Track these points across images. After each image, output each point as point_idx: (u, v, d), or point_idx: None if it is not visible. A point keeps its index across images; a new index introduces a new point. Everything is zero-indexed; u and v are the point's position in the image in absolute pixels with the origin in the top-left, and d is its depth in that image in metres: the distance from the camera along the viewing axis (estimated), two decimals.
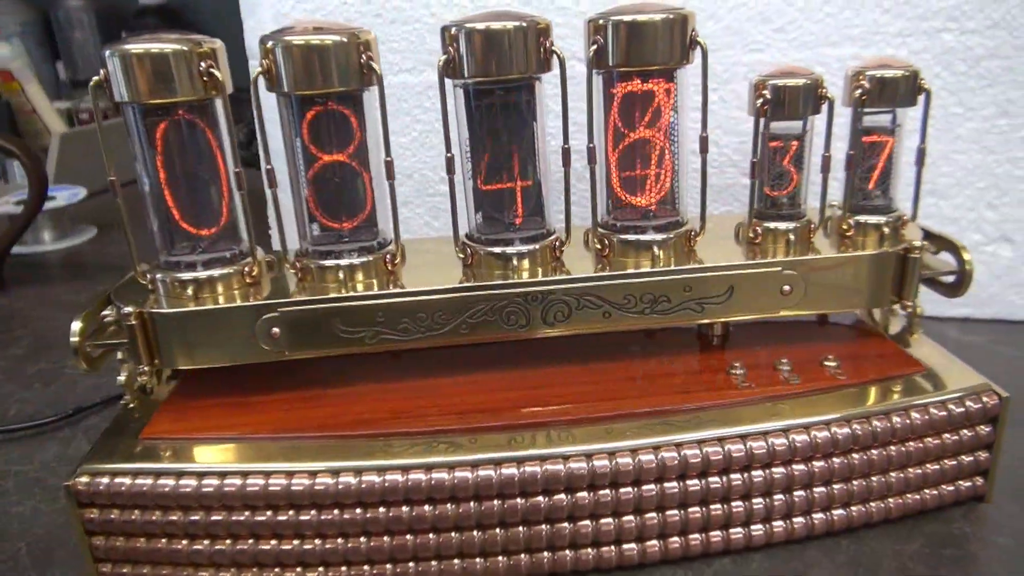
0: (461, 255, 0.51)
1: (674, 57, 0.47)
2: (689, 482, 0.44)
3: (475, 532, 0.44)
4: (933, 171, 0.70)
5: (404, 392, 0.51)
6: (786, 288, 0.50)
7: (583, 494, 0.43)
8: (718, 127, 0.72)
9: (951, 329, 0.72)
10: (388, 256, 0.50)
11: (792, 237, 0.52)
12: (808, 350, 0.52)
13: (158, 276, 0.49)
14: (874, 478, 0.46)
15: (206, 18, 1.74)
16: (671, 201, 0.52)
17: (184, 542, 0.44)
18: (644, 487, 0.44)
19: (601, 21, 0.47)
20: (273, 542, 0.44)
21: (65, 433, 0.64)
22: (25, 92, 1.50)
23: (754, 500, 0.45)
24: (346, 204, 0.50)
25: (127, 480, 0.43)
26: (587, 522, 0.44)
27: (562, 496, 0.43)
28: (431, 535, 0.44)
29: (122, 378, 0.51)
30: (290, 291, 0.49)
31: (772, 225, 0.52)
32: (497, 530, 0.44)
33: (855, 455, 0.45)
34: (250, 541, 0.44)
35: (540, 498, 0.43)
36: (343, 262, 0.50)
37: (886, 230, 0.52)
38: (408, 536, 0.44)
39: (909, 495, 0.47)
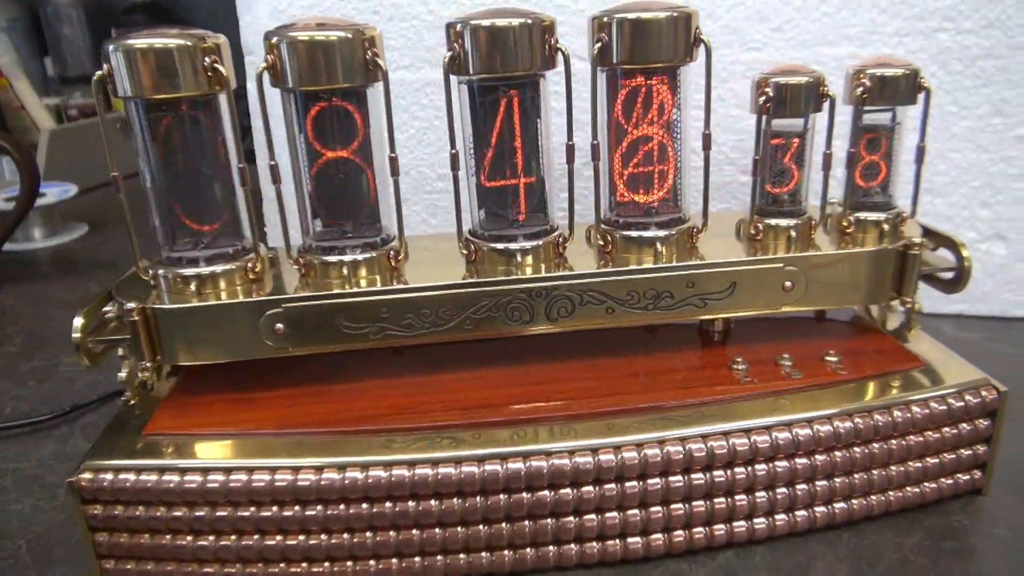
0: (464, 251, 0.51)
1: (678, 54, 0.48)
2: (694, 476, 0.44)
3: (480, 527, 0.44)
4: (929, 169, 0.71)
5: (407, 388, 0.51)
6: (787, 284, 0.50)
7: (588, 488, 0.44)
8: (716, 125, 0.72)
9: (946, 326, 0.73)
10: (391, 252, 0.50)
11: (793, 234, 0.52)
12: (808, 346, 0.53)
13: (160, 272, 0.49)
14: (875, 472, 0.47)
15: (197, 14, 1.73)
16: (673, 198, 0.52)
17: (189, 538, 0.44)
18: (649, 481, 0.44)
19: (605, 19, 0.47)
20: (278, 538, 0.44)
21: (62, 430, 0.63)
22: (13, 88, 1.49)
23: (757, 494, 0.45)
24: (349, 200, 0.50)
25: (131, 476, 0.43)
26: (592, 516, 0.44)
27: (567, 490, 0.44)
28: (437, 530, 0.44)
29: (123, 374, 0.50)
30: (293, 287, 0.49)
31: (773, 222, 0.52)
32: (503, 525, 0.44)
33: (856, 449, 0.46)
34: (255, 537, 0.44)
35: (546, 492, 0.43)
36: (346, 258, 0.50)
37: (886, 227, 0.53)
38: (414, 531, 0.44)
39: (909, 488, 0.48)
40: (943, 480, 0.48)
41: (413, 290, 0.48)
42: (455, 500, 0.43)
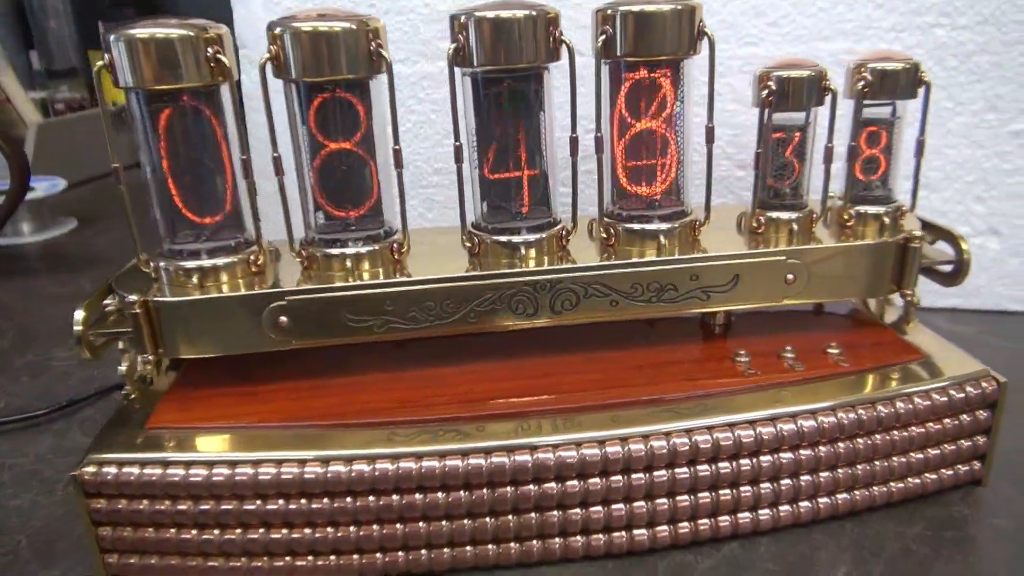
0: (468, 244, 0.51)
1: (682, 47, 0.48)
2: (699, 468, 0.44)
3: (487, 519, 0.44)
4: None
5: (409, 381, 0.51)
6: (790, 277, 0.50)
7: (595, 480, 0.44)
8: (716, 120, 0.73)
9: (940, 320, 0.74)
10: (395, 245, 0.50)
11: (795, 227, 0.52)
12: (809, 338, 0.53)
13: (161, 264, 0.49)
14: (877, 463, 0.47)
15: (186, 8, 1.71)
16: (675, 191, 0.52)
17: (194, 531, 0.43)
18: (655, 473, 0.44)
19: (609, 11, 0.47)
20: (284, 531, 0.43)
21: (59, 425, 0.63)
22: None
23: (762, 485, 0.46)
24: (353, 192, 0.50)
25: (135, 470, 0.43)
26: (598, 508, 0.44)
27: (574, 482, 0.44)
28: (443, 522, 0.44)
29: (123, 368, 0.50)
30: (295, 280, 0.49)
31: (775, 215, 0.53)
32: (509, 517, 0.44)
33: (859, 440, 0.46)
34: (261, 530, 0.43)
35: (552, 484, 0.43)
36: (349, 251, 0.49)
37: (886, 220, 0.53)
38: (420, 524, 0.44)
39: (910, 479, 0.48)
40: (943, 471, 0.49)
41: (418, 283, 0.48)
42: (461, 493, 0.43)
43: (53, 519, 0.51)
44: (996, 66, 0.68)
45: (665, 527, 0.45)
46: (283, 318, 0.47)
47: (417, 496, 0.43)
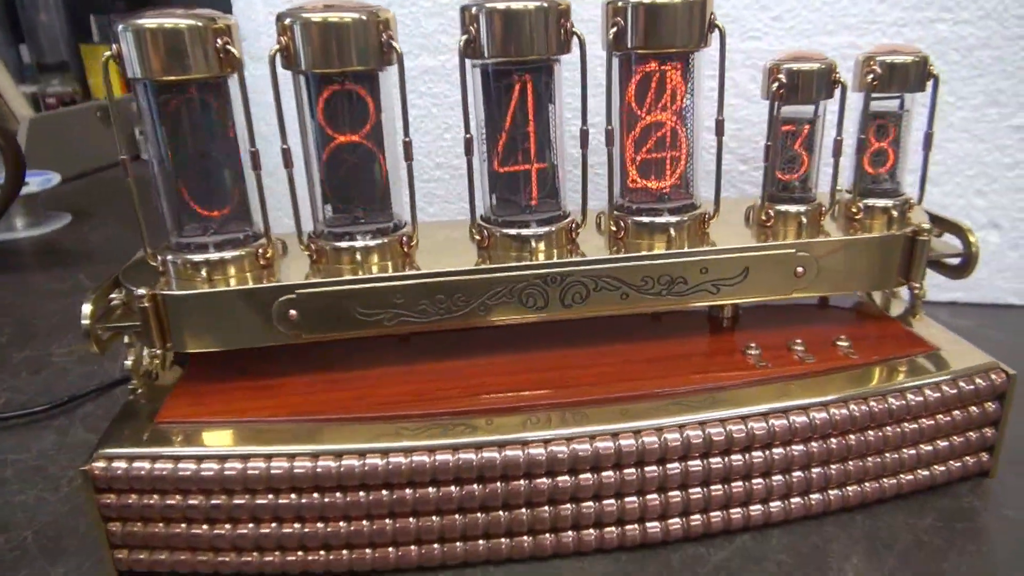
0: (477, 237, 0.51)
1: (693, 40, 0.47)
2: (712, 460, 0.45)
3: (500, 513, 0.44)
4: (913, 158, 0.72)
5: (419, 374, 0.50)
6: (799, 270, 0.50)
7: (608, 473, 0.44)
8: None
9: (941, 313, 0.74)
10: (404, 238, 0.50)
11: (804, 220, 0.52)
12: (817, 331, 0.53)
13: (169, 258, 0.48)
14: (888, 455, 0.47)
15: (180, 1, 1.70)
16: (684, 184, 0.52)
17: (205, 526, 0.43)
18: (668, 466, 0.44)
19: (620, 3, 0.47)
20: (296, 525, 0.43)
21: (61, 421, 0.62)
22: None
23: (774, 477, 0.46)
24: (361, 185, 0.50)
25: (146, 464, 0.42)
26: (611, 501, 0.44)
27: (587, 476, 0.44)
28: (456, 516, 0.44)
29: (129, 362, 0.50)
30: (304, 273, 0.49)
31: (783, 208, 0.53)
32: (523, 510, 0.44)
33: (870, 432, 0.46)
34: (273, 525, 0.43)
35: (566, 478, 0.43)
36: (358, 244, 0.49)
37: (894, 213, 0.53)
38: (433, 518, 0.44)
39: (920, 471, 0.48)
40: (952, 462, 0.49)
41: (429, 276, 0.47)
42: (475, 486, 0.43)
43: (59, 515, 0.50)
44: (998, 60, 0.68)
45: (678, 520, 0.45)
46: (293, 312, 0.47)
47: (430, 490, 0.43)
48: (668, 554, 0.45)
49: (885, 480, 0.48)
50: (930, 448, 0.48)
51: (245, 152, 0.48)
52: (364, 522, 0.43)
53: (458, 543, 0.44)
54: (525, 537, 0.44)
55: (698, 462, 0.44)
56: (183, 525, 0.43)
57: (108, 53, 0.44)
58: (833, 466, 0.47)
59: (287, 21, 0.45)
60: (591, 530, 0.45)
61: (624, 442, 0.43)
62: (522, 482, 0.43)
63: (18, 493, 0.53)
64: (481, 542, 0.44)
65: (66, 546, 0.48)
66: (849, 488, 0.47)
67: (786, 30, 0.71)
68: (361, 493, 0.42)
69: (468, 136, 0.48)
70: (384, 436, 0.44)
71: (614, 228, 0.52)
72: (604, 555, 0.45)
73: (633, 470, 0.44)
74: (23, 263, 1.04)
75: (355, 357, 0.52)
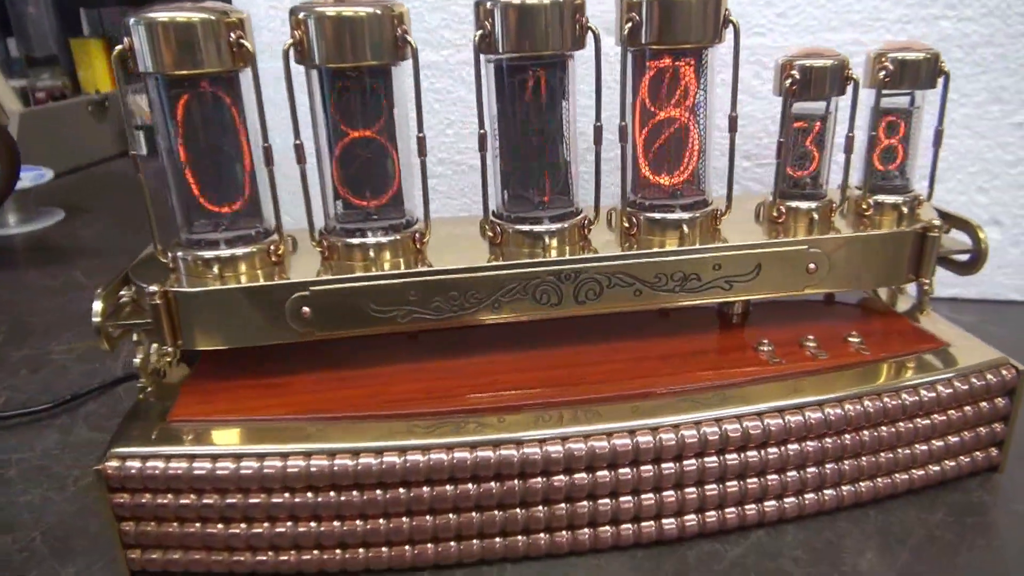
0: (490, 233, 0.50)
1: (707, 35, 0.47)
2: (728, 456, 0.45)
3: (518, 510, 0.44)
4: (928, 155, 0.72)
5: (431, 372, 0.50)
6: (811, 266, 0.50)
7: (625, 471, 0.44)
8: (720, 110, 0.73)
9: (942, 309, 0.73)
10: (417, 235, 0.50)
11: (815, 216, 0.52)
12: (828, 327, 0.54)
13: (179, 254, 0.48)
14: (900, 450, 0.48)
15: None
16: (697, 180, 0.52)
17: (219, 526, 0.43)
18: (685, 462, 0.44)
19: None
20: (312, 524, 0.43)
21: (63, 420, 0.61)
22: None
23: (788, 473, 0.46)
24: (374, 181, 0.49)
25: (160, 463, 0.42)
26: (628, 498, 0.44)
27: (604, 473, 0.44)
28: (473, 514, 0.43)
29: (138, 360, 0.49)
30: (315, 270, 0.48)
31: (794, 204, 0.53)
32: (540, 507, 0.44)
33: (883, 428, 0.47)
34: (289, 523, 0.43)
35: (583, 475, 0.43)
36: (370, 240, 0.49)
37: (904, 210, 0.54)
38: (450, 515, 0.43)
39: (931, 466, 0.49)
40: (962, 458, 0.49)
41: (443, 272, 0.47)
42: (493, 484, 0.43)
43: (66, 515, 0.50)
44: (1000, 58, 0.69)
45: (693, 516, 0.45)
46: (306, 309, 0.46)
47: (448, 487, 0.43)
48: (684, 551, 0.45)
49: (897, 475, 0.48)
50: (941, 444, 0.48)
51: (256, 147, 0.47)
52: (381, 520, 0.43)
53: (475, 541, 0.44)
54: (542, 535, 0.44)
55: (714, 458, 0.44)
56: (197, 524, 0.43)
57: (119, 48, 0.43)
58: (846, 462, 0.47)
59: (301, 15, 0.44)
60: (607, 527, 0.45)
61: (642, 439, 0.43)
62: (540, 479, 0.43)
63: (23, 493, 0.52)
64: (498, 540, 0.44)
65: (75, 546, 0.47)
66: (862, 484, 0.48)
67: (790, 26, 0.71)
68: (378, 491, 0.42)
69: (482, 132, 0.48)
70: (400, 434, 0.43)
71: (626, 224, 0.52)
72: (620, 552, 0.45)
73: (650, 467, 0.44)
74: (16, 260, 1.02)
75: (363, 354, 0.52)
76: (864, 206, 0.54)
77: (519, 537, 0.44)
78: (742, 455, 0.45)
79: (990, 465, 0.51)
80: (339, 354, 0.52)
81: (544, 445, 0.43)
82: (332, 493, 0.42)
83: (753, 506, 0.46)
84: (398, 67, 0.48)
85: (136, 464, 0.42)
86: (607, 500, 0.44)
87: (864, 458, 0.47)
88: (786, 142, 0.51)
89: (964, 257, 0.55)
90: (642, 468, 0.44)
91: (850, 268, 0.52)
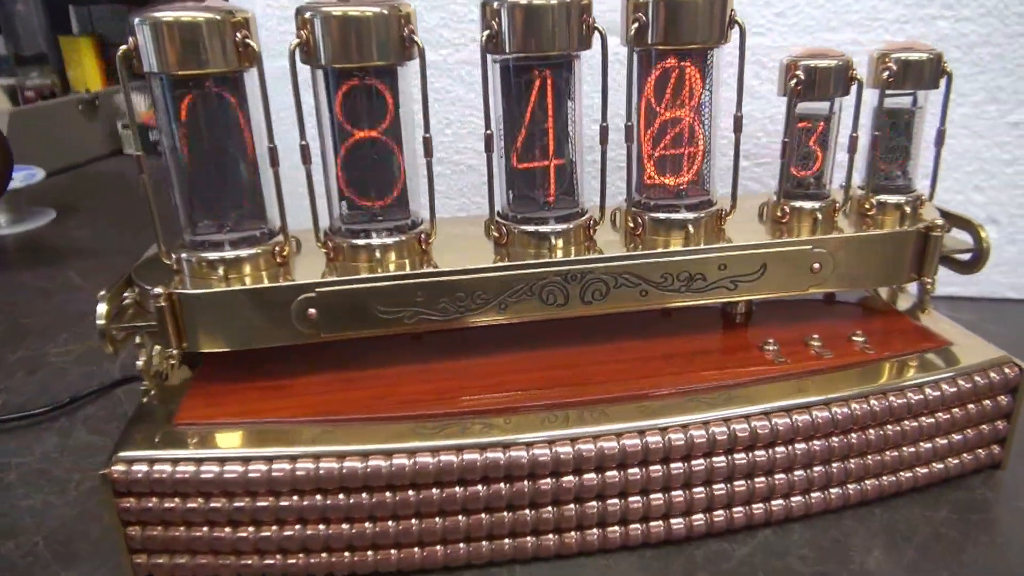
0: (496, 233, 0.50)
1: (713, 36, 0.48)
2: (736, 456, 0.45)
3: (527, 511, 0.44)
4: (926, 154, 0.72)
5: (436, 373, 0.50)
6: (816, 266, 0.51)
7: (634, 471, 0.44)
8: (721, 109, 0.73)
9: (939, 307, 0.74)
10: (423, 236, 0.49)
11: (819, 216, 0.53)
12: (831, 326, 0.54)
13: (183, 256, 0.47)
14: (905, 449, 0.48)
15: None
16: (701, 180, 0.52)
17: (227, 529, 0.42)
18: (693, 462, 0.44)
19: None
20: (321, 527, 0.43)
21: (62, 423, 0.61)
22: None
23: (795, 472, 0.46)
24: (380, 181, 0.49)
25: (167, 467, 0.42)
26: (637, 498, 0.44)
27: (613, 473, 0.44)
28: (482, 515, 0.43)
29: (141, 363, 0.48)
30: (320, 271, 0.48)
31: (798, 204, 0.53)
32: (549, 508, 0.44)
33: (889, 427, 0.47)
34: (297, 527, 0.43)
35: (593, 475, 0.43)
36: (376, 241, 0.48)
37: (907, 209, 0.54)
38: (460, 517, 0.43)
39: (935, 464, 0.49)
40: (965, 455, 0.50)
41: (450, 273, 0.47)
42: (503, 485, 0.43)
43: (68, 519, 0.49)
44: (998, 58, 0.69)
45: (701, 516, 0.46)
46: (312, 310, 0.46)
47: (457, 489, 0.43)
48: (692, 550, 0.46)
49: (902, 474, 0.48)
50: (945, 442, 0.49)
51: (261, 148, 0.47)
52: (390, 522, 0.43)
53: (484, 542, 0.44)
54: (551, 535, 0.44)
55: (722, 458, 0.45)
56: (205, 528, 0.42)
57: (124, 47, 0.43)
58: (852, 461, 0.47)
59: (307, 15, 0.44)
60: (616, 527, 0.45)
61: (651, 439, 0.43)
62: (549, 480, 0.43)
63: (24, 497, 0.52)
64: (507, 541, 0.44)
65: (78, 551, 0.47)
66: (867, 482, 0.48)
67: (789, 26, 0.71)
68: (388, 493, 0.42)
69: (488, 132, 0.47)
70: (409, 436, 0.43)
71: (631, 225, 0.52)
72: (629, 552, 0.45)
73: (659, 467, 0.44)
74: (8, 261, 1.01)
75: (368, 356, 0.52)
76: (867, 206, 0.54)
77: (528, 538, 0.44)
78: (750, 454, 0.45)
79: (992, 462, 0.51)
80: (343, 355, 0.51)
81: (554, 446, 0.43)
82: (341, 496, 0.42)
83: (760, 505, 0.46)
84: (404, 67, 0.48)
85: (143, 468, 0.42)
86: (616, 500, 0.44)
87: (870, 457, 0.47)
88: (790, 142, 0.51)
89: (966, 256, 0.55)
90: (651, 468, 0.44)
91: (854, 268, 0.52)
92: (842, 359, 0.49)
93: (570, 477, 0.43)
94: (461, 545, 0.44)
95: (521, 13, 0.45)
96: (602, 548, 0.45)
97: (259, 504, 0.42)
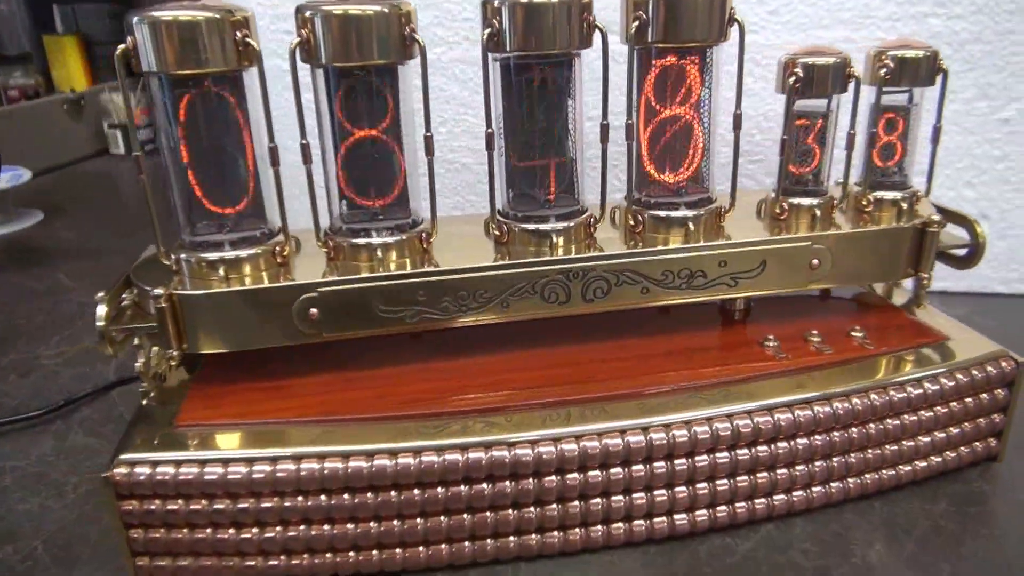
0: (497, 232, 0.50)
1: (712, 34, 0.48)
2: (739, 452, 0.45)
3: (532, 508, 0.44)
4: (918, 152, 0.73)
5: (437, 372, 0.50)
6: (815, 262, 0.51)
7: (639, 467, 0.44)
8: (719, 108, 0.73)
9: (932, 302, 0.75)
10: (423, 234, 0.49)
11: (818, 212, 0.53)
12: (829, 322, 0.54)
13: (183, 256, 0.47)
14: (904, 442, 0.48)
15: None
16: (701, 178, 0.53)
17: (231, 531, 0.42)
18: (697, 458, 0.44)
19: None
20: (325, 527, 0.42)
21: (58, 426, 0.60)
22: None
23: (797, 467, 0.46)
24: (380, 180, 0.49)
25: (170, 469, 0.41)
26: (641, 494, 0.45)
27: (617, 470, 0.44)
28: (488, 513, 0.43)
29: (139, 364, 0.48)
30: (321, 271, 0.48)
31: (796, 201, 0.53)
32: (554, 506, 0.44)
33: (889, 421, 0.47)
34: (301, 527, 0.42)
35: (597, 472, 0.43)
36: (376, 240, 0.48)
37: (903, 205, 0.54)
38: (465, 516, 0.43)
39: (933, 457, 0.50)
40: (963, 448, 0.50)
41: (454, 272, 0.47)
42: (508, 483, 0.43)
43: (67, 523, 0.49)
44: (988, 55, 0.70)
45: (704, 511, 0.46)
46: (314, 310, 0.46)
47: (462, 488, 0.42)
48: (696, 545, 0.46)
49: (901, 467, 0.49)
50: (943, 435, 0.49)
51: (260, 147, 0.47)
52: (395, 521, 0.43)
53: (489, 540, 0.44)
54: (555, 532, 0.44)
55: (726, 454, 0.45)
56: (208, 530, 0.42)
57: (123, 47, 0.43)
58: (852, 455, 0.47)
59: (308, 14, 0.44)
60: (620, 524, 0.45)
61: (655, 436, 0.43)
62: (553, 478, 0.43)
63: (21, 501, 0.51)
64: (512, 539, 0.44)
65: (79, 554, 0.46)
66: (867, 476, 0.48)
67: (782, 24, 0.72)
68: (393, 492, 0.42)
69: (490, 131, 0.47)
70: (412, 435, 0.43)
71: (632, 222, 0.52)
72: (633, 548, 0.46)
73: (663, 463, 0.44)
74: None
75: (369, 355, 0.51)
76: (864, 202, 0.55)
77: (532, 536, 0.44)
78: (752, 450, 0.45)
79: (989, 455, 0.51)
80: (344, 355, 0.51)
81: (559, 443, 0.43)
82: (346, 496, 0.42)
83: (763, 500, 0.47)
84: (404, 66, 0.47)
85: (145, 470, 0.41)
86: (620, 497, 0.44)
87: (870, 451, 0.48)
88: (789, 139, 0.52)
89: (962, 252, 0.55)
90: (655, 464, 0.44)
91: (852, 264, 0.52)
92: (842, 354, 0.50)
93: (575, 474, 0.43)
94: (466, 544, 0.44)
95: (522, 11, 0.45)
96: (606, 545, 0.45)
97: (263, 505, 0.42)
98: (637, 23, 0.47)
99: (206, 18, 0.42)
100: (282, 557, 0.43)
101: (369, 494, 0.42)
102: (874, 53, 0.53)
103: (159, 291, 0.44)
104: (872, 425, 0.47)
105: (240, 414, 0.46)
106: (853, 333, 0.52)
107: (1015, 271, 0.77)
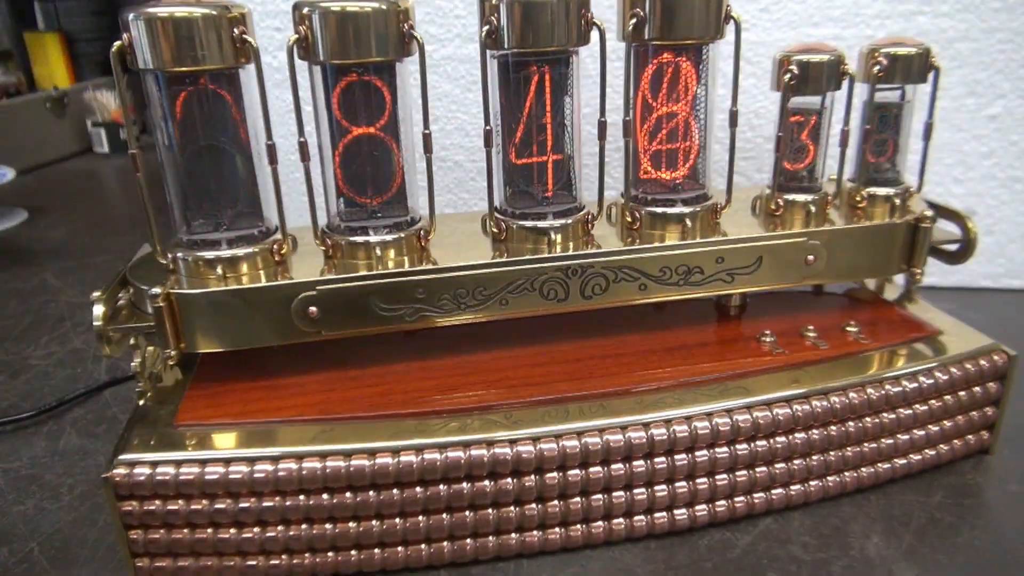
0: (495, 229, 0.50)
1: (710, 31, 0.48)
2: (738, 446, 0.45)
3: (535, 505, 0.44)
4: (906, 148, 0.74)
5: (436, 370, 0.50)
6: (810, 258, 0.51)
7: (640, 463, 0.44)
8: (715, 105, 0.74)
9: (919, 298, 0.76)
10: (422, 232, 0.49)
11: (812, 209, 0.53)
12: (824, 317, 0.55)
13: (179, 255, 0.46)
14: (900, 436, 0.49)
15: None
16: (696, 175, 0.53)
17: (232, 531, 0.42)
18: (697, 453, 0.45)
19: None
20: (328, 526, 0.42)
21: (50, 427, 0.60)
22: None
23: (795, 461, 0.47)
24: (378, 178, 0.49)
25: (170, 469, 0.41)
26: (642, 490, 0.45)
27: (619, 466, 0.44)
28: (490, 510, 0.43)
29: (136, 364, 0.48)
30: (319, 269, 0.47)
31: (791, 197, 0.54)
32: (556, 502, 0.44)
33: (885, 414, 0.48)
34: (303, 526, 0.42)
35: (598, 468, 0.44)
36: (374, 238, 0.48)
37: (896, 201, 0.55)
38: (467, 512, 0.43)
39: (927, 450, 0.50)
40: (956, 441, 0.51)
41: (451, 269, 0.47)
42: (509, 480, 0.43)
43: (63, 524, 0.49)
44: (976, 52, 0.71)
45: (704, 506, 0.46)
46: (313, 308, 0.46)
47: (464, 485, 0.43)
48: (696, 540, 0.46)
49: (896, 460, 0.49)
50: (937, 428, 0.50)
51: (258, 145, 0.46)
52: (397, 519, 0.43)
53: (491, 537, 0.44)
54: (557, 529, 0.45)
55: (725, 448, 0.45)
56: (209, 530, 0.42)
57: (118, 43, 0.42)
58: (849, 449, 0.48)
59: (305, 11, 0.43)
60: (621, 519, 0.45)
61: (656, 431, 0.44)
62: (555, 474, 0.43)
63: (15, 503, 0.51)
64: (514, 536, 0.44)
65: (76, 556, 0.46)
66: (864, 469, 0.49)
67: (773, 21, 0.72)
68: (395, 490, 0.42)
69: (488, 128, 0.47)
70: (412, 433, 0.43)
71: (629, 219, 0.52)
72: (634, 544, 0.46)
73: (663, 458, 0.44)
74: None
75: (367, 353, 0.51)
76: (858, 198, 0.55)
77: (534, 532, 0.44)
78: (751, 444, 0.45)
79: (982, 447, 0.52)
80: (342, 353, 0.51)
81: (560, 440, 0.43)
82: (348, 494, 0.42)
83: (761, 494, 0.47)
84: (402, 63, 0.47)
85: (145, 471, 0.41)
86: (621, 493, 0.45)
87: (866, 444, 0.48)
88: (784, 136, 0.52)
89: (954, 247, 0.56)
90: (655, 460, 0.44)
91: (847, 259, 0.53)
92: (838, 349, 0.50)
93: (576, 471, 0.43)
94: (468, 541, 0.44)
95: (520, 9, 0.45)
96: (608, 540, 0.45)
97: (265, 504, 0.41)
98: (635, 20, 0.47)
99: (203, 14, 0.42)
100: (284, 556, 0.43)
101: (371, 492, 0.42)
102: (867, 50, 0.53)
103: (157, 290, 0.44)
104: (868, 419, 0.47)
105: (239, 413, 0.45)
106: (848, 328, 0.52)
107: (1001, 266, 0.78)
